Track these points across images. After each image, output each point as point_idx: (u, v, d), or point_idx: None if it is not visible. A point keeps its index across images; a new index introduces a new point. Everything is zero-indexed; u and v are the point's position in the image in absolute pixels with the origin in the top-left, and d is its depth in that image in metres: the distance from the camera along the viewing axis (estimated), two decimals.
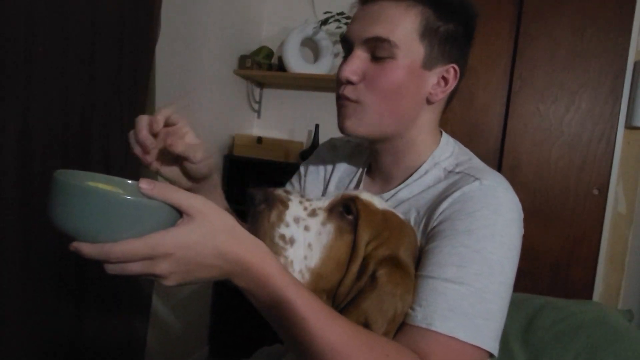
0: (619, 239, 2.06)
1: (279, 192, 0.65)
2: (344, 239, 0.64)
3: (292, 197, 0.65)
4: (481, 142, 2.14)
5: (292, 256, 0.62)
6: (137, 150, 0.69)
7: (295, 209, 0.64)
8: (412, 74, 0.74)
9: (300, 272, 0.62)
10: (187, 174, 0.74)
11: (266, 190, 0.64)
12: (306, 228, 0.63)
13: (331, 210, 0.66)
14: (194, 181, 0.76)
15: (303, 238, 0.63)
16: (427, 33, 0.73)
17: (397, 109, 0.76)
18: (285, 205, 0.63)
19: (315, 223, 0.64)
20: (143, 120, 0.66)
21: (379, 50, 0.73)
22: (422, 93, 0.77)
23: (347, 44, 0.77)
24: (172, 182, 0.75)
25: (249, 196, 0.63)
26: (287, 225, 0.62)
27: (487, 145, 2.14)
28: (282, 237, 0.62)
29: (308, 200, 0.67)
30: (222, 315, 2.42)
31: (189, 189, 0.71)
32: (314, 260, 0.63)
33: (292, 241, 0.62)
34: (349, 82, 0.75)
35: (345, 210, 0.66)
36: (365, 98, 0.75)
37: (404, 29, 0.72)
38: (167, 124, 0.69)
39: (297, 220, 0.63)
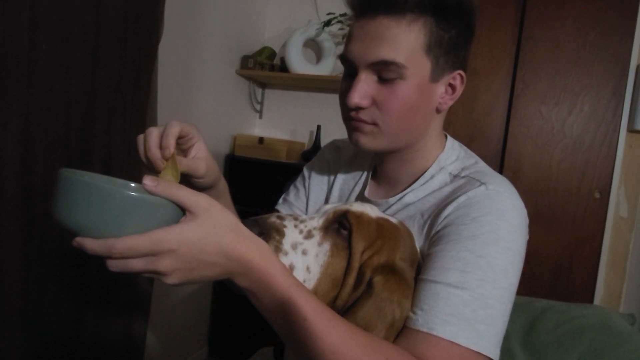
0: (620, 243, 2.06)
1: (273, 219, 0.65)
2: (340, 256, 0.64)
3: (286, 222, 0.65)
4: (483, 145, 2.13)
5: None
6: (145, 162, 0.65)
7: (291, 234, 0.64)
8: (421, 90, 0.73)
9: None
10: (192, 186, 0.72)
11: (260, 221, 0.63)
12: (304, 252, 0.64)
13: (327, 228, 0.66)
14: (200, 191, 0.74)
15: (302, 263, 0.63)
16: (432, 46, 0.71)
17: (411, 125, 0.75)
18: (281, 233, 0.63)
19: (312, 245, 0.64)
20: (153, 137, 0.62)
21: (386, 72, 0.70)
22: (432, 105, 0.77)
23: (348, 64, 0.75)
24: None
25: None
26: (286, 254, 0.62)
27: (489, 147, 2.13)
28: None
29: (302, 221, 0.66)
30: (221, 315, 2.42)
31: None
32: (312, 281, 0.63)
33: (292, 268, 0.62)
34: (359, 108, 0.74)
35: (341, 226, 0.66)
36: (379, 120, 0.74)
37: (410, 48, 0.70)
38: (178, 137, 0.66)
39: (294, 246, 0.63)
